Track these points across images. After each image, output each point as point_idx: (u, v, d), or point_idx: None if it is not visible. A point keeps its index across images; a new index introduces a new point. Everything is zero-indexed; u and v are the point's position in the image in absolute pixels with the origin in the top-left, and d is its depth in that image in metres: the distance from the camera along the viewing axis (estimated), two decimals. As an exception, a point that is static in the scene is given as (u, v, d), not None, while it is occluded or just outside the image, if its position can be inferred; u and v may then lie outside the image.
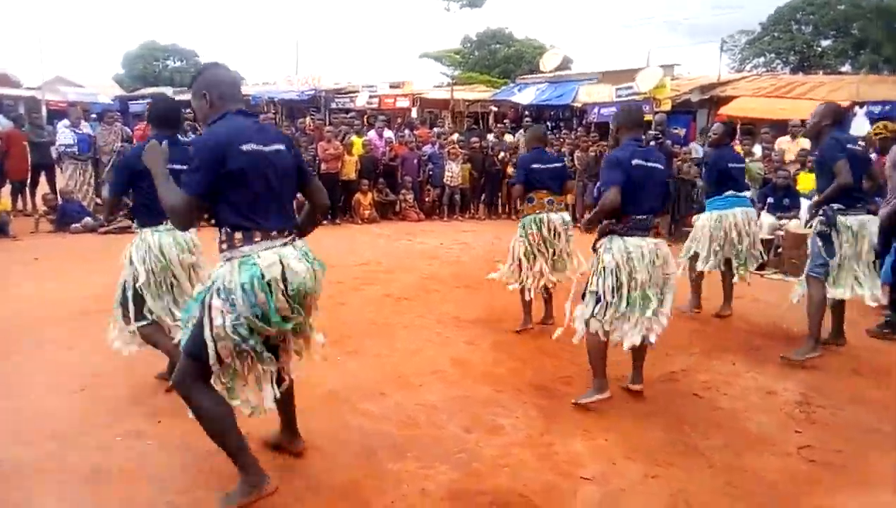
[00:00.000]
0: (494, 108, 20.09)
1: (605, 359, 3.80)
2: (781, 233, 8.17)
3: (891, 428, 3.72)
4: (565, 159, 11.29)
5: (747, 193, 5.78)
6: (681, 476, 3.15)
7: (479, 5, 33.44)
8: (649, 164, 3.77)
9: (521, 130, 13.32)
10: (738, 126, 11.11)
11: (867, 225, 4.68)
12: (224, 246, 2.55)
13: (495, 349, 4.84)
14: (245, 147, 2.50)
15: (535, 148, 5.31)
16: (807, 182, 8.93)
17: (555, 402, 3.94)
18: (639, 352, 3.95)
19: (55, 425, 3.40)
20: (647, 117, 13.86)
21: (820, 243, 4.70)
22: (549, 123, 18.56)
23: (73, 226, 9.29)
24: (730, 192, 5.64)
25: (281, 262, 2.52)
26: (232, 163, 2.46)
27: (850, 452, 3.42)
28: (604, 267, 3.75)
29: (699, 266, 5.78)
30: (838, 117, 4.86)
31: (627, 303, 3.70)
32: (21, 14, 73.01)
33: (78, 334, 4.81)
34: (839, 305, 5.02)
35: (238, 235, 2.52)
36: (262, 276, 2.47)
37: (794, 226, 7.94)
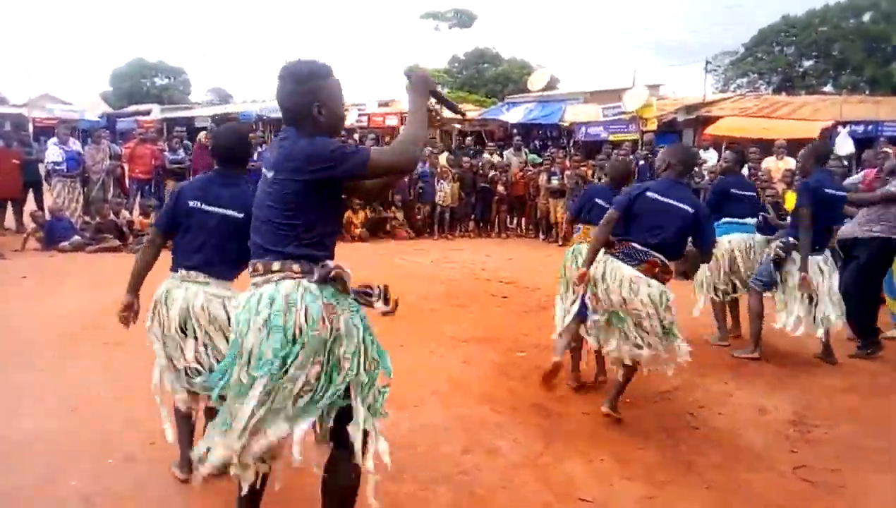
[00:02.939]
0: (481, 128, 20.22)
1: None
2: (770, 252, 8.22)
3: (885, 447, 3.75)
4: (560, 178, 11.45)
5: (751, 220, 5.64)
6: (678, 496, 3.15)
7: (469, 25, 33.79)
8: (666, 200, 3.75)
9: (511, 149, 13.41)
10: (724, 145, 11.27)
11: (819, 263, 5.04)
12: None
13: (492, 368, 4.83)
14: None
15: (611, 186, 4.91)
16: (793, 201, 9.02)
17: (552, 422, 3.94)
18: (625, 374, 3.92)
19: (45, 448, 3.34)
20: (635, 137, 14.07)
21: (772, 267, 5.17)
22: (536, 142, 18.73)
23: (62, 244, 9.20)
24: (724, 219, 5.52)
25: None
26: None
27: (846, 471, 3.44)
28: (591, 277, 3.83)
29: (699, 295, 5.64)
30: (823, 154, 5.30)
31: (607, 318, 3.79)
32: (8, 31, 72.80)
33: (68, 354, 4.75)
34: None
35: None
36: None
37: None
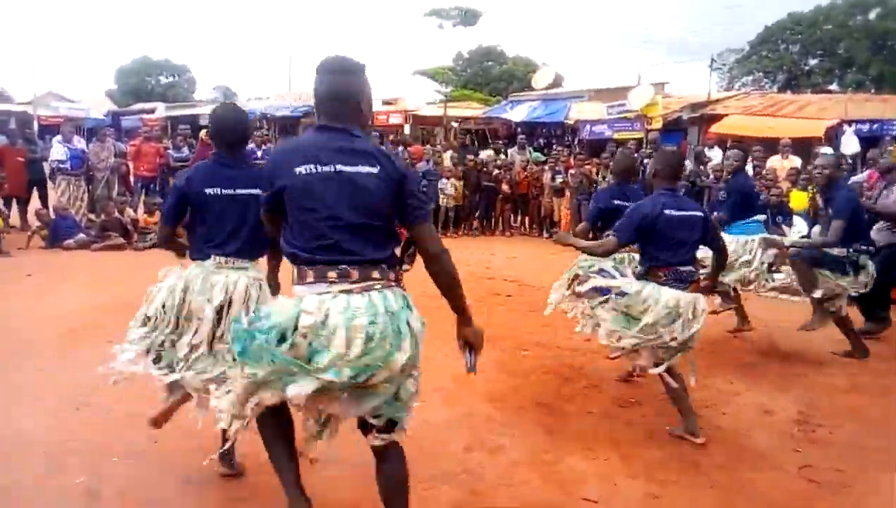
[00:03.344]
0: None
1: None
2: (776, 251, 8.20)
3: (890, 447, 3.73)
4: (564, 177, 11.43)
5: (760, 217, 5.72)
6: (682, 495, 3.14)
7: (473, 23, 33.69)
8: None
9: (515, 147, 13.39)
10: (728, 143, 11.24)
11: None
12: None
13: (496, 366, 4.82)
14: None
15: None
16: (799, 199, 9.02)
17: (556, 420, 3.93)
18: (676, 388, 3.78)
19: (49, 446, 3.35)
20: (640, 135, 14.03)
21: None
22: (541, 140, 18.70)
23: (66, 242, 9.23)
24: (752, 218, 5.63)
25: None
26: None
27: (851, 471, 3.42)
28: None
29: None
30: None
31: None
32: (13, 28, 73.01)
33: (72, 352, 4.75)
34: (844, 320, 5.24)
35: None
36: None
37: (789, 243, 7.98)
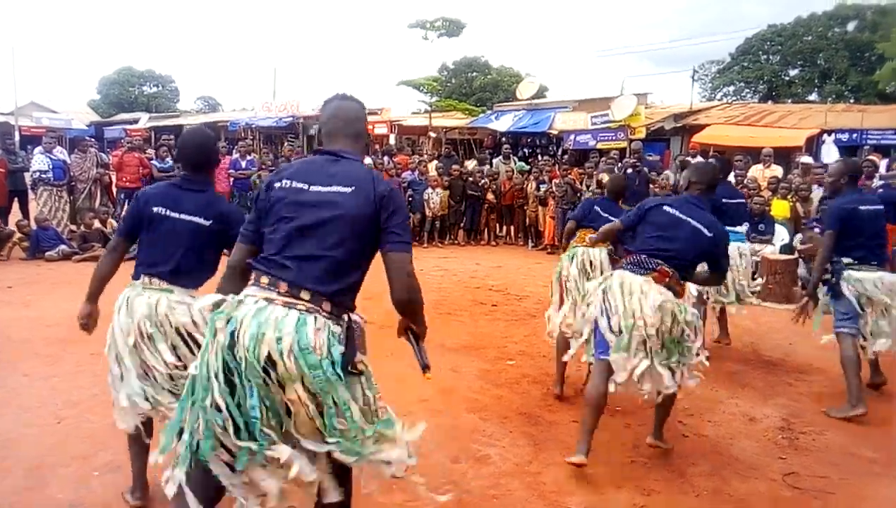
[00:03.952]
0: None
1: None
2: (758, 259, 8.29)
3: (873, 454, 3.76)
4: (547, 186, 11.48)
5: (740, 228, 5.61)
6: (668, 504, 3.15)
7: (457, 34, 33.91)
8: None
9: (500, 157, 13.43)
10: (710, 153, 11.36)
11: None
12: None
13: (480, 377, 4.82)
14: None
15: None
16: (780, 208, 9.13)
17: (541, 430, 3.93)
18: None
19: (31, 458, 3.30)
20: (623, 144, 14.14)
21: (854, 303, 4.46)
22: (526, 150, 18.80)
23: (48, 253, 9.12)
24: None
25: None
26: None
27: (836, 478, 3.45)
28: None
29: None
30: (856, 173, 4.74)
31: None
32: (-6, 39, 72.37)
33: (53, 364, 4.70)
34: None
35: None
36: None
37: (770, 252, 8.08)
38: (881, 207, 4.60)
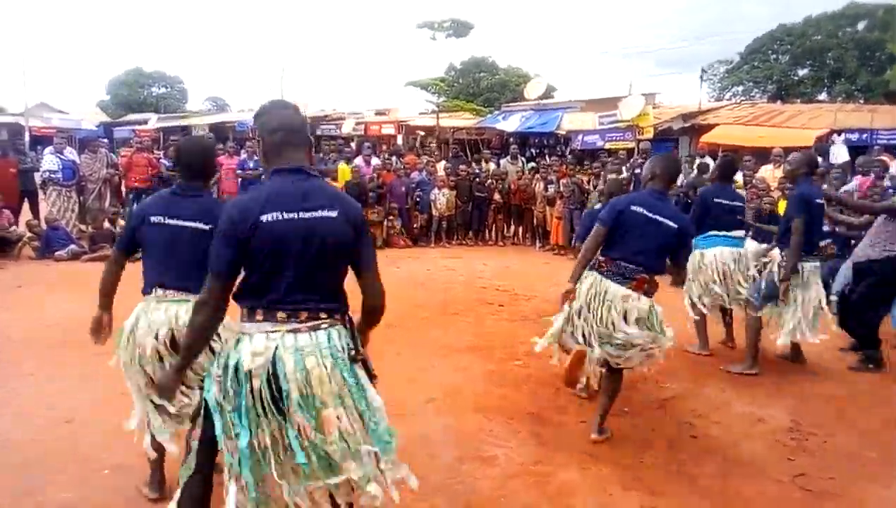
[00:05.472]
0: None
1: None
2: (766, 259, 8.23)
3: (882, 456, 3.74)
4: (553, 186, 11.46)
5: (738, 232, 5.48)
6: (676, 505, 3.14)
7: (465, 35, 33.89)
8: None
9: (508, 157, 13.41)
10: (720, 152, 11.30)
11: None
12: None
13: (487, 377, 4.81)
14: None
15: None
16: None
17: (548, 430, 3.92)
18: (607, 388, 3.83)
19: (38, 459, 3.32)
20: (631, 145, 14.10)
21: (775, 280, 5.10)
22: (533, 150, 18.77)
23: (58, 253, 9.18)
24: (712, 232, 5.38)
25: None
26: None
27: (844, 480, 3.43)
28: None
29: (687, 306, 5.43)
30: (813, 165, 5.25)
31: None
32: (4, 39, 72.92)
33: (63, 364, 4.72)
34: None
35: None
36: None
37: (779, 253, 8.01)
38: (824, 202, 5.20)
